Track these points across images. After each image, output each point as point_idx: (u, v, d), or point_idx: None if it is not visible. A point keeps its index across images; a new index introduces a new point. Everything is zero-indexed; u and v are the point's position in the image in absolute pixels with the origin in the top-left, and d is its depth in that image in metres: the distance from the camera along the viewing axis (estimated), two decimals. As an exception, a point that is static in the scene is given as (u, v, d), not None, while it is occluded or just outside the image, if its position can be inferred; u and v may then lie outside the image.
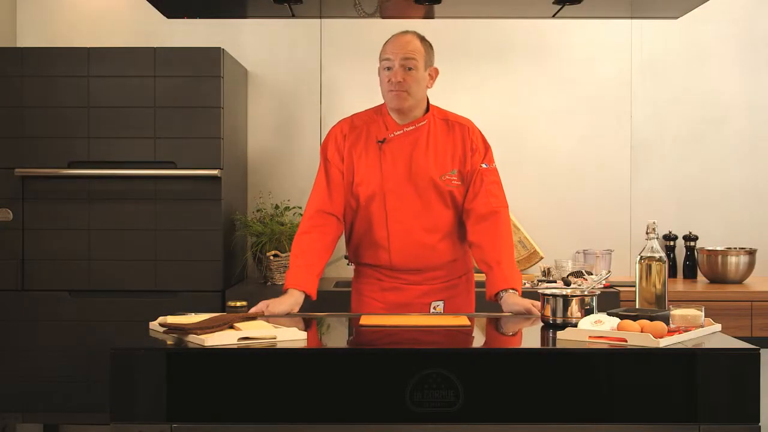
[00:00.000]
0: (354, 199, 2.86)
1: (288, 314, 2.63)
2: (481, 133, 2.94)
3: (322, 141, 4.04)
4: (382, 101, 2.89)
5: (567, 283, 3.47)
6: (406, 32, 2.85)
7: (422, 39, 2.86)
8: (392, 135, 2.85)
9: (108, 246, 3.55)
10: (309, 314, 2.68)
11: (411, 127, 2.85)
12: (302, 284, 2.72)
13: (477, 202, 2.84)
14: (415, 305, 2.86)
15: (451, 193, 2.84)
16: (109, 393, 2.02)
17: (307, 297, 2.73)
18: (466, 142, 2.87)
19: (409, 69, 2.77)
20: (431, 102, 2.91)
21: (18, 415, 3.54)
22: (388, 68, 2.79)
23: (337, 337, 2.45)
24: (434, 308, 2.88)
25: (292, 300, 2.68)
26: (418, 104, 2.84)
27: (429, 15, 2.86)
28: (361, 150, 2.86)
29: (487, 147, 2.94)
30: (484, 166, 2.88)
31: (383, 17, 2.84)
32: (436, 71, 2.89)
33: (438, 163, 2.84)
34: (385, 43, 2.86)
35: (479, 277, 3.99)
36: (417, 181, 2.82)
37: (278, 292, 3.55)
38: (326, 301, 3.48)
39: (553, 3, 2.81)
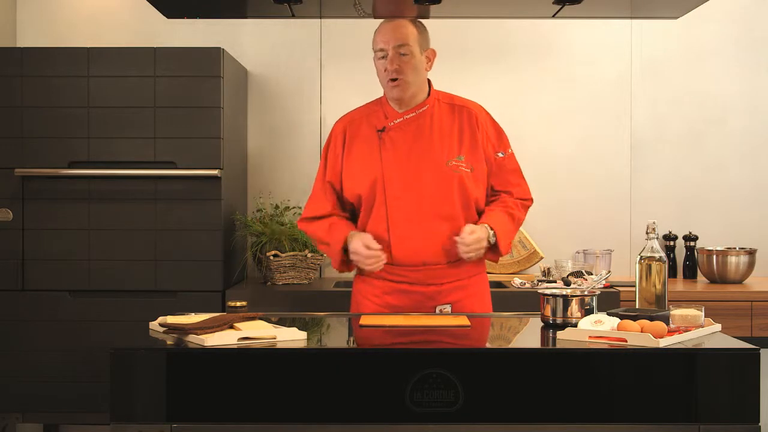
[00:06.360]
0: (353, 195, 2.77)
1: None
2: (491, 117, 2.82)
3: (322, 141, 4.09)
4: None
5: (567, 283, 3.46)
6: (395, 17, 2.73)
7: (414, 21, 2.73)
8: (392, 123, 2.75)
9: (108, 246, 3.54)
10: (309, 314, 2.68)
11: (411, 114, 2.75)
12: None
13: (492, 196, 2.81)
14: (419, 311, 2.71)
15: (460, 180, 2.70)
16: (109, 393, 2.02)
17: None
18: (473, 127, 2.75)
19: (404, 55, 2.68)
20: (436, 87, 2.80)
21: (18, 415, 3.54)
22: (383, 57, 2.70)
23: (337, 337, 2.45)
24: (440, 312, 2.71)
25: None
26: (419, 90, 2.75)
27: (423, 15, 2.82)
28: (361, 141, 2.76)
29: (499, 132, 2.80)
30: (499, 155, 2.78)
31: (375, 17, 2.82)
32: (434, 53, 2.78)
33: (443, 149, 2.71)
34: (375, 31, 2.75)
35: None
36: (420, 169, 2.70)
37: (278, 292, 3.59)
38: (326, 301, 3.49)
39: (553, 3, 2.80)
